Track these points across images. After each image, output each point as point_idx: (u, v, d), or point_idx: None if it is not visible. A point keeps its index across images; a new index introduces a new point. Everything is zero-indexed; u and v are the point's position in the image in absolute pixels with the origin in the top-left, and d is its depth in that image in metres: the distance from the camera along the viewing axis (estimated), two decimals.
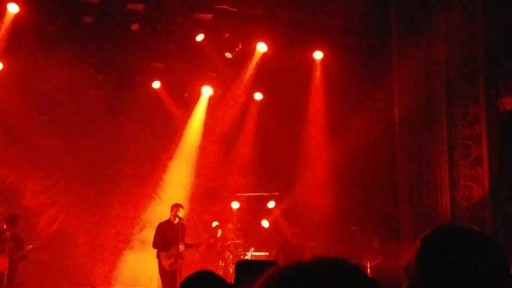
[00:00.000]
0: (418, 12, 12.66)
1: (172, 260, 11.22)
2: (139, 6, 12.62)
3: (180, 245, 11.08)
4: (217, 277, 3.68)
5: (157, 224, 12.20)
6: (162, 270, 11.33)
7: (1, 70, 12.93)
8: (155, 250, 11.54)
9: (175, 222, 11.38)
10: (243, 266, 2.21)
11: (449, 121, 12.53)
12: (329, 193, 13.85)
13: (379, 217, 13.32)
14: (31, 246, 11.17)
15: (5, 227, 10.90)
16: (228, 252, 13.05)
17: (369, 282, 1.26)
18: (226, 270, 12.47)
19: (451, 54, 12.54)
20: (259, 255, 13.37)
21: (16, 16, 11.92)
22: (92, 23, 12.44)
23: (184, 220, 11.49)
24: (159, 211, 13.83)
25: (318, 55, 13.88)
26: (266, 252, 13.57)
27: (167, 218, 11.65)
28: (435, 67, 12.58)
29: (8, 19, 11.99)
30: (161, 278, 11.44)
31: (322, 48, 13.74)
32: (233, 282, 3.70)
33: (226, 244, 13.15)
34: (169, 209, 11.75)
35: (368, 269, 12.16)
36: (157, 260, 11.42)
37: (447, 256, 1.90)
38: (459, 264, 1.85)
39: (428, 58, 12.58)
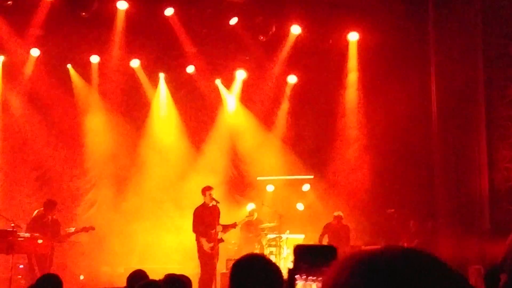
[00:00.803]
0: None
1: (213, 243, 11.31)
2: None
3: (218, 227, 11.17)
4: (268, 260, 3.67)
5: (192, 208, 12.29)
6: (202, 253, 11.41)
7: (38, 56, 13.14)
8: (189, 232, 11.63)
9: (210, 205, 11.44)
10: (301, 251, 2.20)
11: (487, 102, 12.33)
12: (364, 176, 13.78)
13: (415, 200, 13.20)
14: (72, 229, 11.43)
15: (43, 211, 11.21)
16: (263, 235, 13.11)
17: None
18: (262, 252, 12.52)
19: (489, 34, 12.31)
20: (294, 238, 13.39)
21: (52, 3, 12.06)
22: (126, 9, 12.54)
23: (219, 201, 11.52)
24: (193, 195, 13.93)
25: (353, 36, 13.74)
26: (302, 234, 13.58)
27: (202, 202, 11.71)
28: (473, 47, 12.36)
29: (44, 6, 12.15)
30: (200, 261, 11.52)
31: (357, 29, 13.60)
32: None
33: (261, 226, 13.20)
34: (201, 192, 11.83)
35: None
36: (196, 243, 11.50)
37: None
38: None
39: (466, 38, 12.36)
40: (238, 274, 3.55)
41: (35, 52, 13.07)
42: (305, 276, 3.05)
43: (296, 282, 2.98)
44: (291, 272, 3.14)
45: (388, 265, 1.18)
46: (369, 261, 1.20)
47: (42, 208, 11.38)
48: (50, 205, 11.35)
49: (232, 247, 13.16)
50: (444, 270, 1.19)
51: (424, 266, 1.18)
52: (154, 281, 4.62)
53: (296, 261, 2.95)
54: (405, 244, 12.13)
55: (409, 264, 1.18)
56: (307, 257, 2.86)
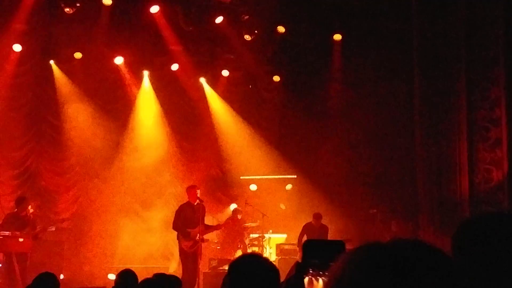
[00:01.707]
0: None
1: (192, 242, 11.25)
2: None
3: (199, 228, 11.11)
4: (266, 260, 3.65)
5: (175, 206, 12.25)
6: (182, 252, 11.36)
7: (20, 52, 12.97)
8: (173, 231, 11.58)
9: (195, 203, 11.40)
10: (310, 246, 2.21)
11: (469, 103, 12.48)
12: (347, 176, 13.87)
13: (397, 200, 13.32)
14: (53, 228, 11.30)
15: (15, 209, 11.06)
16: (246, 234, 13.12)
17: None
18: (245, 251, 12.52)
19: (472, 36, 12.45)
20: (277, 237, 13.43)
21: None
22: (111, 5, 12.46)
23: (203, 200, 11.49)
24: (177, 194, 13.90)
25: (337, 36, 13.82)
26: (284, 234, 13.62)
27: (186, 200, 11.67)
28: (455, 50, 12.50)
29: (28, 1, 12.01)
30: (181, 260, 11.49)
31: (342, 30, 13.68)
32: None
33: (244, 226, 13.21)
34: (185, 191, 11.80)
35: None
36: (177, 241, 11.46)
37: (484, 241, 1.88)
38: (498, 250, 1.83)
39: (449, 40, 12.50)
40: (235, 274, 3.54)
41: (17, 47, 12.89)
42: (312, 271, 3.07)
43: (304, 277, 2.99)
44: (300, 267, 3.15)
45: (393, 256, 1.19)
46: (375, 252, 1.21)
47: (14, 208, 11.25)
48: (20, 201, 11.16)
49: (214, 246, 13.16)
50: (447, 262, 1.21)
51: (427, 258, 1.19)
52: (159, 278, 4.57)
53: (304, 256, 2.97)
54: None
55: (414, 255, 1.19)
56: (316, 253, 2.88)
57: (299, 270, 2.94)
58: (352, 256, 1.23)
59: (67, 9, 12.16)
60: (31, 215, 11.13)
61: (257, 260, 3.55)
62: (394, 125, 13.55)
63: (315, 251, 2.32)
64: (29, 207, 11.22)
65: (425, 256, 1.21)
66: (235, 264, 3.55)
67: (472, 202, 12.33)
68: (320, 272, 2.37)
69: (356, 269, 1.20)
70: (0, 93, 13.12)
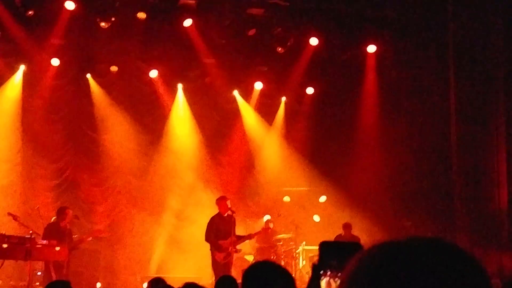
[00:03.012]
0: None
1: (225, 253, 11.27)
2: (192, 2, 12.77)
3: (231, 240, 11.12)
4: (279, 267, 3.66)
5: (207, 217, 12.30)
6: (214, 263, 11.39)
7: (58, 66, 13.29)
8: (206, 242, 11.62)
9: (225, 215, 11.43)
10: (327, 247, 2.19)
11: (507, 114, 12.24)
12: (382, 187, 13.72)
13: (434, 213, 13.10)
14: (90, 238, 11.52)
15: (56, 219, 11.33)
16: (279, 246, 13.07)
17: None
18: (278, 263, 12.46)
19: (510, 43, 12.24)
20: (310, 249, 13.34)
21: (72, 13, 12.21)
22: (145, 19, 12.66)
23: (234, 211, 11.51)
24: (210, 205, 13.95)
25: (371, 48, 13.75)
26: (317, 246, 13.51)
27: (217, 212, 11.71)
28: (493, 58, 12.30)
29: (64, 16, 12.30)
30: (213, 271, 11.50)
31: (376, 41, 13.61)
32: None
33: (277, 237, 13.17)
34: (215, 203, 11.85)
35: None
36: (210, 253, 11.50)
37: None
38: None
39: (485, 48, 12.31)
40: (249, 281, 3.54)
41: (55, 61, 13.21)
42: (329, 273, 3.04)
43: (321, 279, 2.97)
44: (316, 269, 3.12)
45: (407, 253, 1.17)
46: (390, 250, 1.18)
47: (54, 217, 11.50)
48: (61, 212, 11.46)
49: (248, 257, 13.14)
50: (468, 261, 1.18)
51: (446, 255, 1.16)
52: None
53: (321, 258, 2.95)
54: None
55: (430, 253, 1.15)
56: (332, 254, 2.85)
57: (316, 272, 2.92)
58: (366, 253, 1.23)
59: (102, 24, 12.41)
60: (68, 224, 11.35)
61: (270, 267, 3.55)
62: (429, 137, 13.37)
63: (331, 252, 2.30)
64: (71, 214, 11.50)
65: (442, 253, 1.19)
66: (249, 271, 3.55)
67: (510, 215, 12.07)
68: (337, 273, 2.36)
69: (370, 265, 1.17)
70: (38, 106, 13.46)
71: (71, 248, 11.25)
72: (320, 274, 2.94)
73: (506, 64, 12.27)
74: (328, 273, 3.01)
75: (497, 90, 12.25)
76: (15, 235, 10.20)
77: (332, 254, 2.85)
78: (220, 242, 11.25)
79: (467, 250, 1.18)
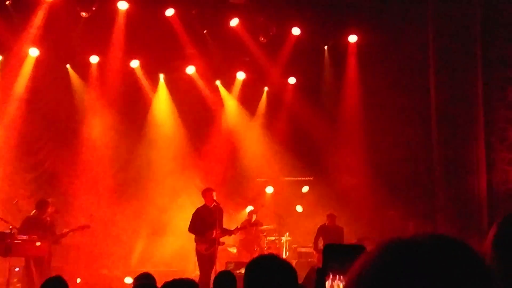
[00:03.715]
0: None
1: (207, 244, 11.23)
2: None
3: (216, 231, 11.09)
4: (283, 261, 3.63)
5: (193, 210, 12.27)
6: (198, 254, 11.36)
7: (38, 56, 13.07)
8: (190, 234, 11.59)
9: (211, 206, 11.40)
10: (331, 250, 2.18)
11: (486, 103, 12.39)
12: (363, 177, 13.78)
13: (415, 201, 13.23)
14: (67, 230, 11.33)
15: (36, 213, 11.13)
16: (262, 237, 13.09)
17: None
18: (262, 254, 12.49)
19: (488, 36, 12.37)
20: (293, 240, 13.39)
21: (52, 3, 12.02)
22: (127, 9, 12.51)
23: (220, 203, 11.48)
24: (193, 196, 13.92)
25: (352, 38, 13.76)
26: (300, 237, 13.56)
27: (203, 203, 11.67)
28: (472, 50, 12.41)
29: (44, 6, 12.10)
30: (198, 262, 11.48)
31: (357, 31, 13.63)
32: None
33: (261, 228, 13.18)
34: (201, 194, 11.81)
35: None
36: (194, 244, 11.48)
37: None
38: None
39: (465, 40, 12.40)
40: (252, 275, 3.52)
41: (34, 51, 12.99)
42: (333, 276, 3.04)
43: (326, 281, 2.96)
44: (320, 272, 3.12)
45: (416, 250, 1.16)
46: (397, 246, 1.18)
47: (34, 211, 11.30)
48: (41, 205, 11.20)
49: (231, 249, 13.13)
50: (471, 257, 1.18)
51: (452, 252, 1.16)
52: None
53: (325, 261, 2.94)
54: None
55: (439, 250, 1.16)
56: (337, 257, 2.85)
57: (320, 276, 2.91)
58: (374, 252, 1.21)
59: (83, 13, 12.23)
60: (48, 218, 11.16)
61: (274, 260, 3.54)
62: (410, 126, 13.46)
63: (335, 255, 2.29)
64: (51, 207, 11.32)
65: (451, 250, 1.17)
66: (252, 265, 3.53)
67: (490, 203, 12.24)
68: (341, 276, 2.36)
69: (378, 264, 1.17)
70: (16, 97, 13.24)
71: (53, 242, 11.09)
72: (325, 277, 2.93)
73: (485, 55, 12.38)
74: (332, 276, 3.01)
75: (476, 81, 12.35)
76: None
77: (336, 257, 2.85)
78: (204, 232, 11.22)
79: (474, 248, 1.19)
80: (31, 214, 11.32)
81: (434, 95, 12.82)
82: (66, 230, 11.42)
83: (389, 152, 13.59)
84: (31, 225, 10.85)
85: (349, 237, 12.44)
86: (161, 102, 14.46)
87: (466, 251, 1.17)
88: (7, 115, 13.28)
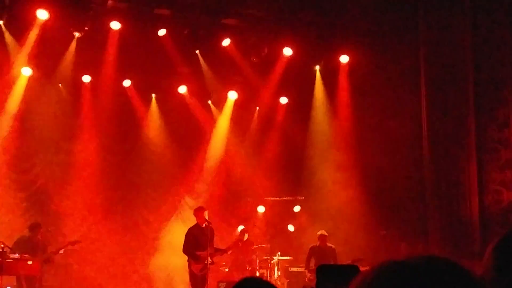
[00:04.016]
0: (445, 11, 12.56)
1: (202, 265, 11.21)
2: (166, 12, 12.70)
3: (209, 251, 11.06)
4: (267, 283, 3.62)
5: (183, 229, 12.24)
6: (192, 275, 11.33)
7: (30, 75, 13.08)
8: (183, 255, 11.56)
9: (203, 226, 11.38)
10: (325, 270, 2.19)
11: (477, 124, 12.45)
12: (356, 197, 13.79)
13: (406, 221, 13.23)
14: (56, 251, 11.30)
15: (30, 234, 11.17)
16: (254, 256, 13.04)
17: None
18: (253, 274, 12.44)
19: (480, 57, 12.47)
20: (285, 259, 13.35)
21: (45, 23, 12.04)
22: (119, 29, 12.55)
23: (211, 222, 11.47)
24: (185, 216, 13.90)
25: (344, 58, 13.84)
26: (292, 256, 13.53)
27: (195, 222, 11.66)
28: (463, 70, 12.50)
29: (37, 25, 12.12)
30: (191, 283, 11.44)
31: (348, 51, 13.72)
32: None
33: (252, 248, 13.14)
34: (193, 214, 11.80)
35: None
36: (187, 264, 11.43)
37: None
38: None
39: (456, 61, 12.51)
40: None
41: (26, 71, 13.00)
42: None
43: None
44: None
45: (411, 271, 1.18)
46: (393, 268, 1.20)
47: (27, 232, 11.32)
48: (34, 227, 11.38)
49: (223, 269, 13.07)
50: (467, 278, 1.20)
51: (448, 273, 1.19)
52: None
53: (319, 281, 2.94)
54: None
55: (434, 271, 1.18)
56: (331, 277, 2.86)
57: None
58: (369, 273, 1.23)
59: (76, 33, 12.27)
60: (40, 236, 11.19)
61: (259, 283, 3.53)
62: (402, 146, 13.51)
63: (329, 275, 2.30)
64: (41, 230, 11.36)
65: (444, 270, 1.20)
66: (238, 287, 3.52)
67: (482, 224, 12.25)
68: None
69: (374, 285, 1.20)
70: (10, 115, 13.22)
71: (45, 261, 11.08)
72: None
73: (476, 76, 12.47)
74: None
75: (467, 102, 12.43)
76: None
77: (330, 278, 2.86)
78: (198, 253, 11.19)
79: (467, 269, 1.21)
80: (24, 234, 11.32)
81: (426, 115, 12.89)
82: (57, 247, 11.39)
83: (382, 172, 13.61)
84: (24, 245, 10.91)
85: (341, 257, 12.43)
86: (153, 121, 14.47)
87: (460, 272, 1.20)
88: (2, 133, 13.25)
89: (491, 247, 2.01)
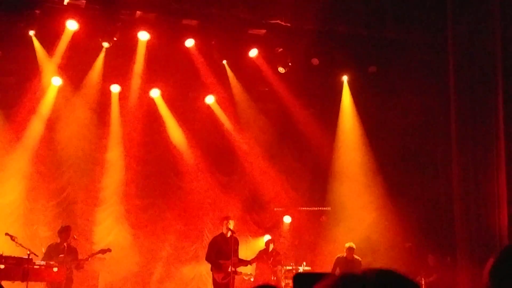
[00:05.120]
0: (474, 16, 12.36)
1: (224, 273, 11.24)
2: (194, 22, 12.83)
3: (232, 261, 11.09)
4: None
5: (209, 237, 12.28)
6: (215, 283, 11.39)
7: (60, 85, 13.32)
8: (206, 263, 11.62)
9: (228, 235, 11.42)
10: (301, 279, 2.20)
11: (507, 132, 12.23)
12: (383, 208, 13.68)
13: (434, 234, 13.06)
14: (87, 258, 11.42)
15: (58, 240, 11.30)
16: (280, 266, 13.02)
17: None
18: (279, 284, 12.43)
19: (510, 64, 12.23)
20: (311, 270, 13.28)
21: (75, 33, 12.27)
22: (148, 39, 12.72)
23: (236, 232, 11.49)
24: (212, 226, 13.97)
25: (371, 69, 13.78)
26: (317, 267, 13.47)
27: (220, 231, 11.71)
28: (493, 77, 12.28)
29: (67, 36, 12.35)
30: None
31: (377, 63, 13.66)
32: None
33: (278, 258, 13.12)
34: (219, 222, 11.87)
35: (423, 286, 11.93)
36: (211, 273, 11.49)
37: None
38: None
39: (485, 68, 12.29)
40: None
41: (56, 80, 13.25)
42: None
43: None
44: None
45: (363, 285, 1.30)
46: (347, 281, 1.33)
47: (57, 239, 11.46)
48: (64, 231, 11.43)
49: (248, 278, 13.08)
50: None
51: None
52: None
53: None
54: (423, 280, 11.96)
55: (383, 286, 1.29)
56: (306, 285, 2.84)
57: None
58: (328, 284, 1.36)
59: (105, 43, 12.47)
60: (71, 243, 11.31)
61: None
62: (430, 156, 13.36)
63: (305, 283, 2.31)
64: (73, 236, 11.47)
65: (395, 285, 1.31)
66: None
67: (510, 235, 12.02)
68: None
69: None
70: (40, 124, 13.46)
71: (75, 268, 11.18)
72: None
73: (506, 80, 12.22)
74: None
75: (497, 111, 12.22)
76: (13, 256, 10.14)
77: (306, 285, 2.85)
78: (221, 262, 11.23)
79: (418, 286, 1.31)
80: (55, 241, 11.49)
81: (455, 125, 12.71)
82: (88, 255, 11.52)
83: (408, 182, 13.48)
84: (54, 251, 11.05)
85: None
86: (180, 131, 14.52)
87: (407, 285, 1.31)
88: (30, 142, 13.49)
89: (487, 268, 2.03)
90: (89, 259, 11.47)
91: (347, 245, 12.66)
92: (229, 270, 11.13)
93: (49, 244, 11.49)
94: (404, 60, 13.41)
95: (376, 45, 13.42)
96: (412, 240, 13.00)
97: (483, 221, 12.18)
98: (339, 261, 12.54)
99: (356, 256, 12.55)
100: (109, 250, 11.63)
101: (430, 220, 13.24)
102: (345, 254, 12.56)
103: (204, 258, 11.71)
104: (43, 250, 11.32)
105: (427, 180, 13.42)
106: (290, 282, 12.53)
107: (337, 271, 12.37)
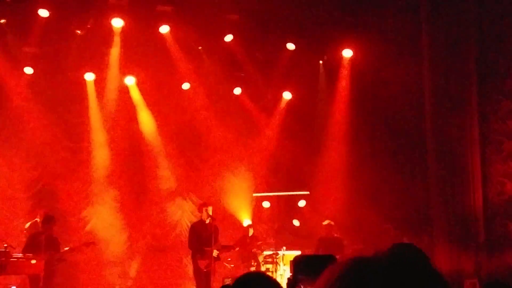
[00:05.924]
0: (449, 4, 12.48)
1: (208, 261, 11.24)
2: (168, 8, 12.73)
3: (214, 247, 11.10)
4: (269, 278, 3.62)
5: (188, 225, 12.27)
6: (196, 271, 11.37)
7: (31, 74, 13.11)
8: (187, 251, 11.61)
9: (207, 221, 11.42)
10: (300, 261, 2.21)
11: (481, 116, 12.40)
12: (359, 191, 13.76)
13: (410, 214, 13.19)
14: (67, 248, 11.29)
15: (40, 229, 11.13)
16: (260, 252, 13.07)
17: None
18: (259, 269, 12.47)
19: (483, 49, 12.41)
20: (291, 254, 13.35)
21: (47, 20, 12.10)
22: (122, 26, 12.59)
23: (215, 218, 11.48)
24: (190, 212, 13.96)
25: (347, 53, 13.79)
26: (298, 250, 13.55)
27: (199, 218, 11.70)
28: (467, 63, 12.45)
29: (39, 24, 12.18)
30: (195, 279, 11.49)
31: (351, 46, 13.67)
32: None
33: (258, 243, 13.17)
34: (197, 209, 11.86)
35: None
36: (191, 260, 11.48)
37: None
38: None
39: (459, 53, 12.44)
40: None
41: (28, 70, 13.04)
42: (303, 287, 3.06)
43: None
44: (290, 283, 3.14)
45: (375, 268, 1.25)
46: (359, 263, 1.29)
47: (35, 220, 11.29)
48: (47, 220, 11.18)
49: (228, 264, 13.11)
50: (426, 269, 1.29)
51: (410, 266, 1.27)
52: None
53: (294, 272, 2.97)
54: None
55: (399, 265, 1.26)
56: (306, 268, 2.88)
57: (290, 286, 2.94)
58: (339, 267, 1.30)
59: (78, 31, 12.32)
60: (55, 236, 11.13)
61: (261, 277, 3.53)
62: (406, 138, 13.45)
63: (304, 266, 2.33)
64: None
65: (407, 269, 1.28)
66: (239, 283, 3.52)
67: (486, 215, 12.22)
68: (311, 286, 2.37)
69: (343, 279, 1.26)
70: (13, 115, 13.29)
71: (57, 260, 10.99)
72: (295, 287, 2.96)
73: (479, 66, 12.40)
74: (302, 286, 3.03)
75: (470, 94, 12.38)
76: None
77: (305, 268, 2.88)
78: (205, 248, 11.22)
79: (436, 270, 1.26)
80: (29, 225, 11.33)
81: (429, 107, 12.83)
82: (70, 247, 11.35)
83: (384, 165, 13.57)
84: (31, 243, 10.80)
85: (347, 249, 12.45)
86: (153, 118, 14.38)
87: (425, 267, 1.28)
88: (4, 133, 13.32)
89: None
90: (72, 251, 11.30)
91: (325, 222, 12.71)
92: (214, 255, 11.14)
93: (29, 234, 11.33)
94: (380, 45, 13.43)
95: (352, 28, 13.43)
96: (389, 221, 13.11)
97: (458, 201, 12.36)
98: (321, 241, 12.58)
99: (336, 235, 12.62)
100: (93, 243, 11.53)
101: (406, 201, 13.35)
102: (323, 233, 12.63)
103: (187, 246, 11.67)
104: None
105: (402, 161, 13.52)
106: (270, 266, 12.60)
107: (320, 252, 12.46)
